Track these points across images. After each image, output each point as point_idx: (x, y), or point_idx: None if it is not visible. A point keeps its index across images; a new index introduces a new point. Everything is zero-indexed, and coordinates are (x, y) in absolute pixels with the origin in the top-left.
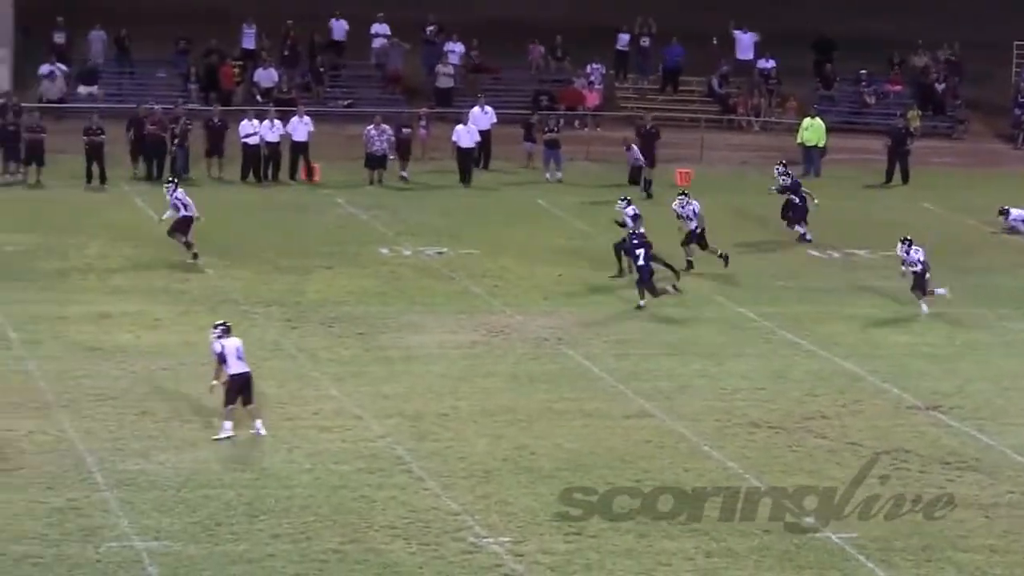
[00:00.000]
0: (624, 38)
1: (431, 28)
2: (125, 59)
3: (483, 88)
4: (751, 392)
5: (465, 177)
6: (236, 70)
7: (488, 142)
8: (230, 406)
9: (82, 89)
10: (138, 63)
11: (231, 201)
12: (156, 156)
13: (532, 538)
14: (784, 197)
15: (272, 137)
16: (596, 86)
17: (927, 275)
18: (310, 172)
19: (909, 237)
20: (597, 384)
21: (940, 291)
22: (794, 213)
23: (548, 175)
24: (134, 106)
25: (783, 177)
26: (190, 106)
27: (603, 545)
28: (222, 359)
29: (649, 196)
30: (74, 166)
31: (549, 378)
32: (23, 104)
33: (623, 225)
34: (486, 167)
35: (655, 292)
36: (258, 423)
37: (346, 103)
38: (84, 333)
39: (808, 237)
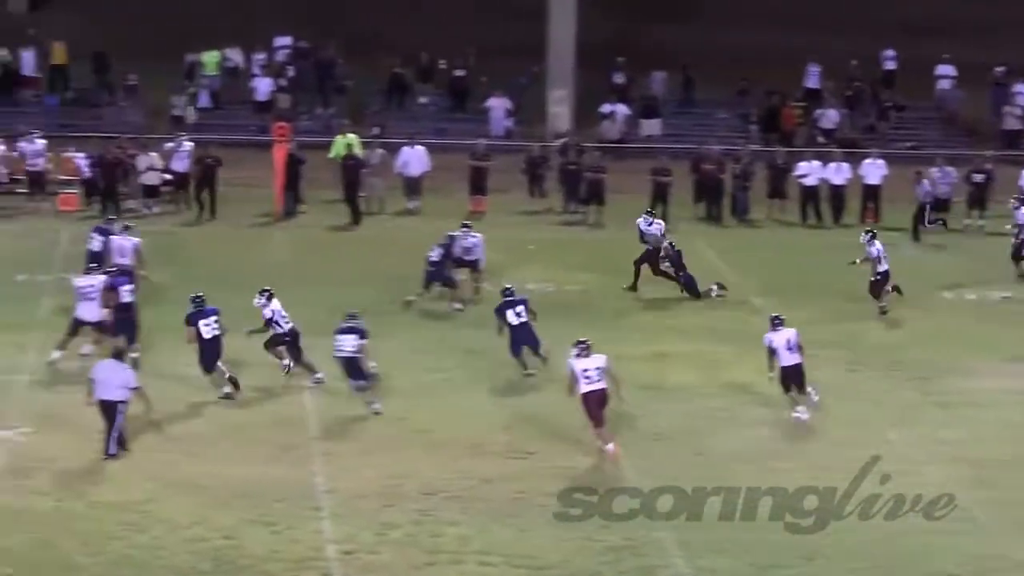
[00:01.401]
0: None
1: (1000, 69)
2: (688, 98)
3: None
4: None
5: None
6: (797, 111)
7: None
8: (788, 394)
9: (644, 127)
10: (700, 103)
11: (790, 243)
12: (713, 196)
13: None
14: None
15: (838, 180)
16: None
17: None
18: (876, 215)
19: None
20: None
21: None
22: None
23: None
24: (693, 147)
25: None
26: (752, 147)
27: None
28: (772, 352)
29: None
30: (633, 206)
31: None
32: (583, 144)
33: (643, 238)
34: None
35: (698, 294)
36: (800, 409)
37: (909, 144)
38: (642, 372)
39: None
